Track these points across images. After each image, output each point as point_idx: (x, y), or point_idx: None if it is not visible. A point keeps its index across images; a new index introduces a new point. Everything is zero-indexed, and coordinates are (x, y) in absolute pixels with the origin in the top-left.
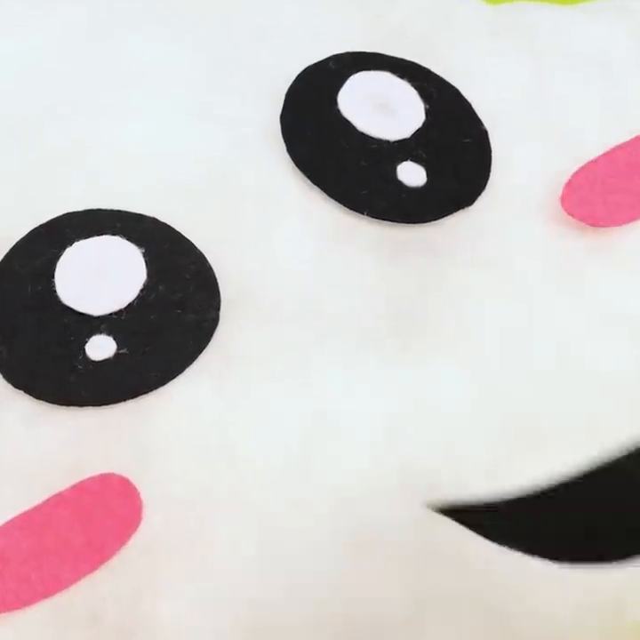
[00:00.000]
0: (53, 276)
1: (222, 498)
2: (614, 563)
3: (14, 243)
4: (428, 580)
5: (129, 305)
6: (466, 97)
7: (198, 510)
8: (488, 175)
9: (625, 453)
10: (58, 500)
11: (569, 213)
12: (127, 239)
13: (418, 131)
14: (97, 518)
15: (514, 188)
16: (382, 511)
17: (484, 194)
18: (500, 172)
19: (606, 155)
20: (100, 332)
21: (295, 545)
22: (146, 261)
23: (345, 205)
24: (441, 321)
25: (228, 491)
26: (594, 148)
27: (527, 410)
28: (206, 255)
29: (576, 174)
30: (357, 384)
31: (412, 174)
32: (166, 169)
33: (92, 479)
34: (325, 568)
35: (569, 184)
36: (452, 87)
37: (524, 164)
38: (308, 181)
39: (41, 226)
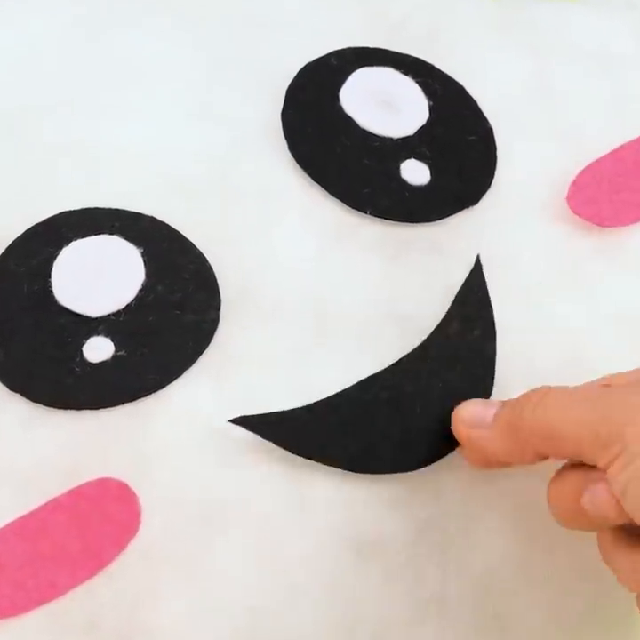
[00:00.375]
0: (50, 276)
1: (223, 502)
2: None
3: (11, 241)
4: (427, 586)
5: (127, 306)
6: (470, 93)
7: (198, 515)
8: (493, 173)
9: (392, 367)
10: (54, 505)
11: (575, 212)
12: (125, 238)
13: (422, 128)
14: (94, 524)
15: (519, 187)
16: (384, 519)
17: (488, 192)
18: (505, 169)
19: (612, 153)
20: (98, 334)
21: (296, 550)
22: (144, 261)
23: (347, 204)
24: None
25: (228, 495)
26: (599, 146)
27: None
28: (206, 254)
29: (582, 173)
30: None
31: (415, 172)
32: (166, 168)
33: (89, 484)
34: (325, 574)
35: (575, 183)
36: (457, 83)
37: (528, 162)
38: (310, 179)
39: (37, 224)
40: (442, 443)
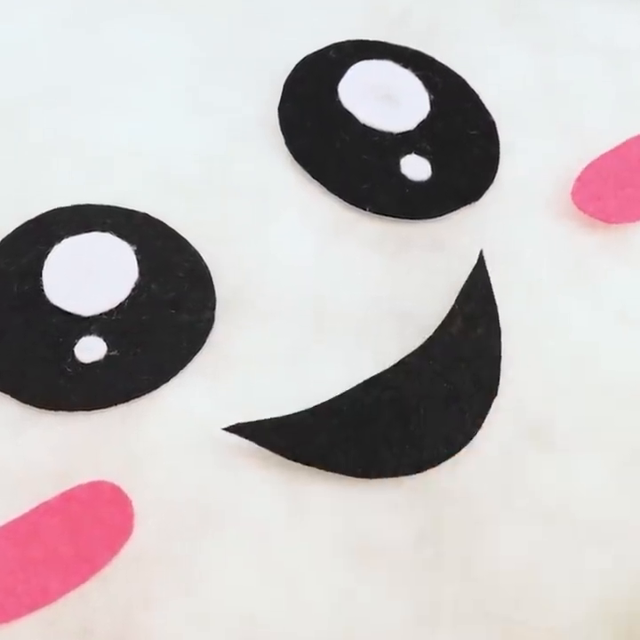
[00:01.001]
0: (41, 275)
1: (219, 505)
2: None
3: (1, 239)
4: (432, 591)
5: (120, 305)
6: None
7: (193, 518)
8: (496, 168)
9: (394, 368)
10: (46, 509)
11: (580, 208)
12: (118, 236)
13: (422, 122)
14: (87, 527)
15: (522, 182)
16: (384, 524)
17: (491, 188)
18: (507, 165)
19: (618, 148)
20: (90, 334)
21: (294, 555)
22: (138, 259)
23: (346, 200)
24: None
25: (224, 498)
26: (604, 141)
27: (540, 411)
28: (202, 252)
29: (587, 168)
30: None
31: (416, 168)
32: (161, 165)
33: (81, 487)
34: (326, 580)
35: (580, 179)
36: (458, 77)
37: (531, 157)
38: (308, 175)
39: (29, 222)
40: (446, 445)
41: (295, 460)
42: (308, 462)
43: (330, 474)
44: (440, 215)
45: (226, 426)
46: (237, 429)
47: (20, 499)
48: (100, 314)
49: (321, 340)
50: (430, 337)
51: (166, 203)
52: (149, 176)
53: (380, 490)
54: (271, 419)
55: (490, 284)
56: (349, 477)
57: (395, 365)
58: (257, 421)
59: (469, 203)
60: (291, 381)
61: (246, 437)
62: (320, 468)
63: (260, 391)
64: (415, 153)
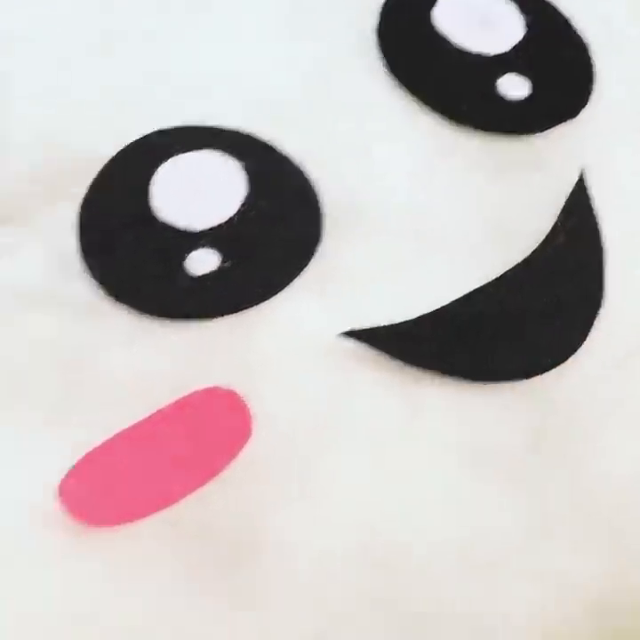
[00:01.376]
0: (149, 192)
1: (331, 414)
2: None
3: (108, 160)
4: (543, 496)
5: (229, 220)
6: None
7: (309, 424)
8: (591, 88)
9: (496, 281)
10: (163, 415)
11: None
12: (227, 153)
13: (517, 44)
14: (205, 432)
15: (617, 102)
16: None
17: (588, 106)
18: (601, 85)
19: None
20: (201, 247)
21: (409, 461)
22: (246, 176)
23: (446, 119)
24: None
25: (337, 406)
26: None
27: None
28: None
29: None
30: None
31: (513, 87)
32: (259, 87)
33: (198, 393)
34: (440, 485)
35: None
36: (549, 1)
37: (625, 79)
38: (408, 95)
39: (135, 141)
40: (552, 353)
41: (409, 363)
42: (420, 365)
43: (441, 380)
44: (540, 131)
45: (335, 335)
46: (353, 334)
47: (138, 407)
48: (210, 228)
49: (424, 257)
50: (533, 251)
51: (268, 123)
52: (249, 101)
53: (493, 394)
54: (383, 326)
55: (591, 201)
56: (460, 382)
57: (496, 279)
58: (370, 328)
59: (566, 119)
60: (395, 295)
61: (362, 341)
62: (432, 371)
63: (366, 305)
64: (512, 72)
